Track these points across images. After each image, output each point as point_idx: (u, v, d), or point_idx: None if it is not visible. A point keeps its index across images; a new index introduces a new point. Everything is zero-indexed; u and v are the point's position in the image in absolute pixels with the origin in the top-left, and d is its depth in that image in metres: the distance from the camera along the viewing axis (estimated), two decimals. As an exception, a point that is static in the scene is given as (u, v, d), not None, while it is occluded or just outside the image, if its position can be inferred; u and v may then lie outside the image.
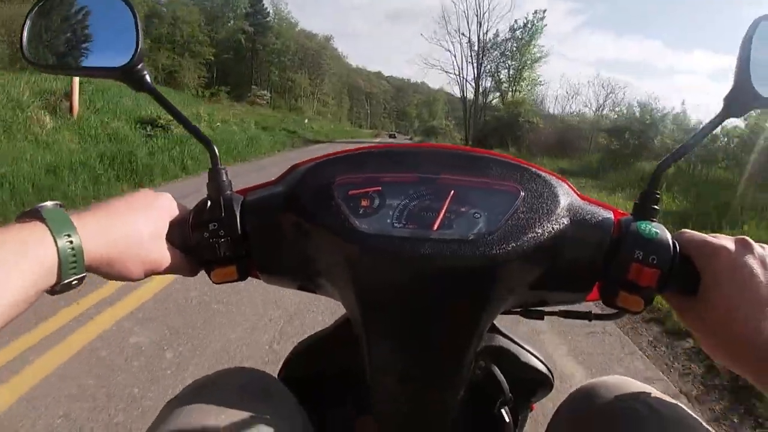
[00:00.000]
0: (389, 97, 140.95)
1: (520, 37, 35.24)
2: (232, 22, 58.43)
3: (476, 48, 37.55)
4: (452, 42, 43.59)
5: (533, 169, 0.48)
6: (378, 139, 49.98)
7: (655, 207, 0.47)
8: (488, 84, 38.15)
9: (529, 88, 35.17)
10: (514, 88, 34.96)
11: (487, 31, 36.96)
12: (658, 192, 0.47)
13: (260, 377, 0.53)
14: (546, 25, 34.12)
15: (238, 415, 0.45)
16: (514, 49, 35.48)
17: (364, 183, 0.47)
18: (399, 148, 0.51)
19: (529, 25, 34.62)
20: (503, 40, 36.95)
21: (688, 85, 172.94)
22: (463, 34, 38.33)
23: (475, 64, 37.87)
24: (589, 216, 0.46)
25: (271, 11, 62.13)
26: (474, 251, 0.41)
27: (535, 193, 0.46)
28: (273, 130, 28.33)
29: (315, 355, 0.61)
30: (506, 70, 36.84)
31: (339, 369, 0.60)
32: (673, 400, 0.49)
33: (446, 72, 48.28)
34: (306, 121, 39.18)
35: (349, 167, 0.49)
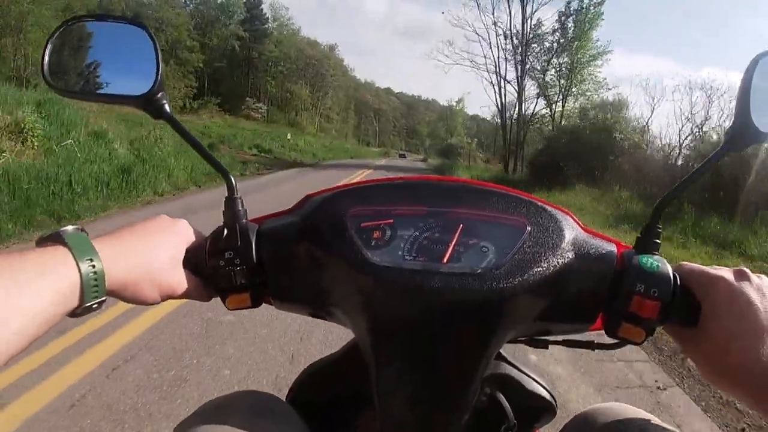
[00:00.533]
0: (399, 114, 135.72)
1: (572, 26, 24.44)
2: (226, 27, 53.10)
3: (518, 37, 25.96)
4: (486, 30, 32.37)
5: (539, 204, 0.49)
6: (383, 161, 43.69)
7: (657, 241, 0.48)
8: (529, 88, 26.83)
9: (589, 94, 24.37)
10: (566, 94, 24.72)
11: (532, 14, 25.56)
12: (660, 226, 0.48)
13: (269, 400, 0.54)
14: (603, 12, 23.82)
15: None
16: (563, 42, 24.66)
17: (376, 215, 0.48)
18: (410, 181, 0.52)
19: (583, 14, 23.87)
20: (549, 31, 25.82)
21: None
22: (495, 22, 26.74)
23: (515, 59, 26.29)
24: (593, 249, 0.47)
25: (270, 17, 57.00)
26: (482, 285, 0.42)
27: (541, 227, 0.47)
28: (235, 144, 22.08)
29: (324, 379, 0.62)
30: (555, 70, 25.76)
31: (347, 393, 0.60)
32: (673, 428, 0.49)
33: (476, 68, 33.50)
34: (289, 136, 32.59)
35: (361, 199, 0.50)
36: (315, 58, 61.75)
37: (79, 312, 0.38)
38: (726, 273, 0.43)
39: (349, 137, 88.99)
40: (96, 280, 0.37)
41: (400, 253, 0.45)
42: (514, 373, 0.58)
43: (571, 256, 0.46)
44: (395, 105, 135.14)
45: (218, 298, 0.51)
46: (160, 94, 0.48)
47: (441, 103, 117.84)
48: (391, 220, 0.47)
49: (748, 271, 0.44)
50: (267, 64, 55.15)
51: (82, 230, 0.40)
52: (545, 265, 0.44)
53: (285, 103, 57.72)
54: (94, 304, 0.38)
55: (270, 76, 55.56)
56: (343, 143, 66.78)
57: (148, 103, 0.48)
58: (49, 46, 0.47)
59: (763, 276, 0.44)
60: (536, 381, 0.59)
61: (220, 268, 0.47)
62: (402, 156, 77.45)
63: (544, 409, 0.59)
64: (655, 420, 0.51)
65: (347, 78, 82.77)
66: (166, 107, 0.49)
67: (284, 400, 0.58)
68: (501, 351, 0.56)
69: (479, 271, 0.43)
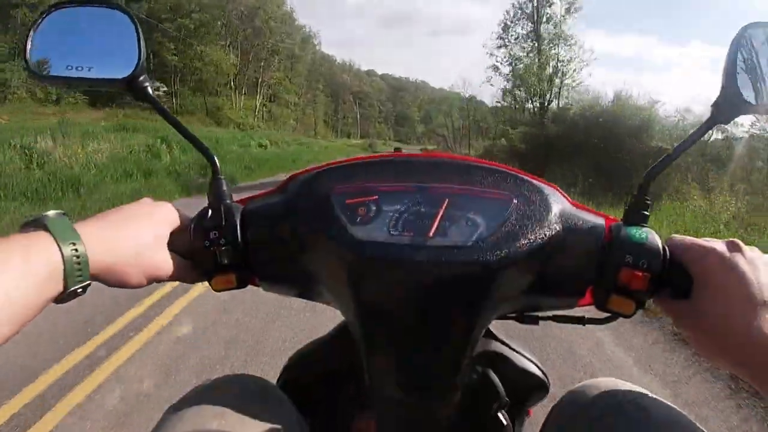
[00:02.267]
0: (385, 98, 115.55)
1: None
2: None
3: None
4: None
5: (525, 177, 0.49)
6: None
7: (645, 213, 0.48)
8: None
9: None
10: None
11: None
12: (648, 198, 0.48)
13: (258, 384, 0.54)
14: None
15: (237, 421, 0.46)
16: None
17: (361, 192, 0.48)
18: (394, 158, 0.52)
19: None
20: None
21: (687, 77, 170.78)
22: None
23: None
24: (581, 222, 0.47)
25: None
26: (469, 257, 0.42)
27: (527, 200, 0.47)
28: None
29: (314, 362, 0.62)
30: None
31: (338, 375, 0.60)
32: (666, 402, 0.49)
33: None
34: None
35: (346, 177, 0.50)
36: (246, 5, 40.93)
37: (64, 297, 0.38)
38: (718, 245, 0.43)
39: (319, 128, 68.79)
40: (79, 264, 0.37)
41: (385, 228, 0.45)
42: (505, 350, 0.58)
43: (558, 229, 0.45)
44: (380, 86, 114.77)
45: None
46: (142, 77, 0.49)
47: (433, 86, 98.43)
48: (376, 197, 0.47)
49: (740, 242, 0.43)
50: (160, 18, 34.59)
51: (65, 214, 0.39)
52: (532, 237, 0.44)
53: (201, 80, 37.32)
54: (78, 288, 0.38)
55: (169, 39, 35.05)
56: (306, 138, 47.43)
57: (130, 85, 0.49)
58: (32, 33, 0.47)
59: (755, 248, 0.43)
60: (528, 358, 0.59)
61: (205, 249, 0.47)
62: (398, 150, 64.54)
63: (537, 386, 0.59)
64: (649, 394, 0.51)
65: (309, 47, 62.28)
66: (149, 89, 0.50)
67: (275, 383, 0.58)
68: (491, 329, 0.57)
69: (467, 243, 0.43)
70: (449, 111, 75.36)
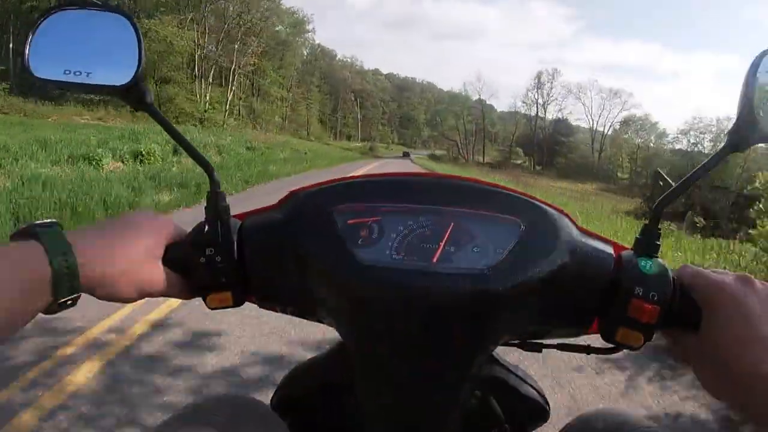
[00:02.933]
0: (389, 98, 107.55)
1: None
2: None
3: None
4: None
5: (534, 202, 0.48)
6: (364, 170, 20.71)
7: (657, 242, 0.46)
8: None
9: None
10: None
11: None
12: (659, 228, 0.47)
13: (250, 404, 0.53)
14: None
15: None
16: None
17: (364, 212, 0.46)
18: (399, 178, 0.51)
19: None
20: None
21: (694, 87, 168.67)
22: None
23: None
24: (590, 250, 0.46)
25: None
26: (473, 286, 0.41)
27: (536, 226, 0.45)
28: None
29: (309, 382, 0.61)
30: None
31: (333, 396, 0.59)
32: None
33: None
34: None
35: (349, 196, 0.48)
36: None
37: (54, 308, 0.37)
38: (730, 279, 0.42)
39: (313, 127, 60.69)
40: (69, 275, 0.36)
41: (387, 252, 0.44)
42: (505, 375, 0.56)
43: (566, 257, 0.44)
44: (383, 86, 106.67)
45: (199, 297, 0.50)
46: (141, 84, 0.48)
47: (441, 88, 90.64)
48: (379, 218, 0.46)
49: (751, 277, 0.42)
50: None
51: (57, 224, 0.39)
52: (539, 265, 0.43)
53: (147, 61, 29.23)
54: (68, 300, 0.37)
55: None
56: (295, 139, 39.68)
57: (129, 93, 0.48)
58: (31, 36, 0.47)
59: (767, 283, 0.42)
60: (528, 383, 0.58)
61: (201, 266, 0.46)
62: (406, 155, 62.10)
63: (537, 412, 0.58)
64: (652, 424, 0.50)
65: (301, 32, 54.24)
66: (147, 97, 0.48)
67: (269, 403, 0.57)
68: (493, 353, 0.55)
69: (471, 271, 0.42)
70: (461, 113, 67.88)
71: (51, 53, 0.47)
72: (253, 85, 45.27)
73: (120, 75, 0.47)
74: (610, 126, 63.24)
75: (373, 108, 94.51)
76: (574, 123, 67.43)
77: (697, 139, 54.16)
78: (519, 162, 66.07)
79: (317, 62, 74.04)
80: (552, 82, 66.24)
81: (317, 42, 79.26)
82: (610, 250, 0.47)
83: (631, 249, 0.47)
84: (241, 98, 41.07)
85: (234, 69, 36.46)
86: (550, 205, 0.48)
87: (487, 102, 70.24)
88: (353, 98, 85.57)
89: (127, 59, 0.47)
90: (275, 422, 0.51)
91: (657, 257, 0.45)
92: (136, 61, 0.47)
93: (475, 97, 67.95)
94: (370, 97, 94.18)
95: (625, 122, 62.81)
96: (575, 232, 0.47)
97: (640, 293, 0.42)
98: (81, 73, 0.47)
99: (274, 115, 45.23)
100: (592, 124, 63.89)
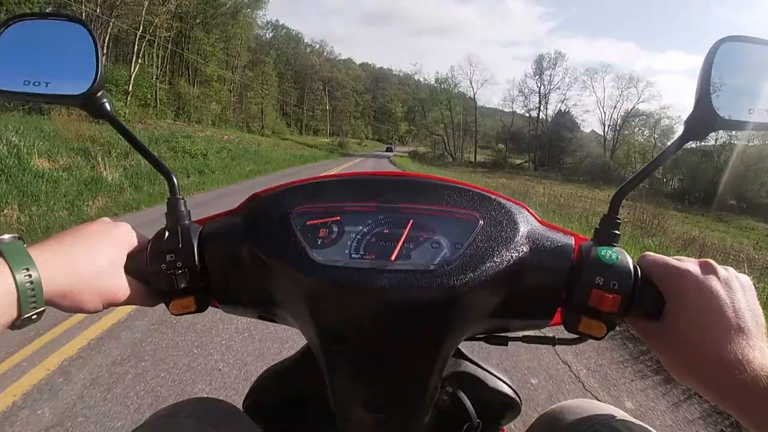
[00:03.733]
0: (362, 88, 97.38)
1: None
2: None
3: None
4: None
5: (492, 196, 0.48)
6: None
7: (616, 232, 0.47)
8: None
9: None
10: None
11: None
12: (618, 217, 0.47)
13: (222, 407, 0.53)
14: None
15: None
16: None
17: (323, 213, 0.47)
18: (359, 177, 0.51)
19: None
20: None
21: (666, 85, 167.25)
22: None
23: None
24: (549, 243, 0.46)
25: None
26: (432, 282, 0.41)
27: (494, 220, 0.46)
28: None
29: (281, 384, 0.60)
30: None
31: (305, 397, 0.59)
32: (640, 422, 0.49)
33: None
34: None
35: (308, 196, 0.48)
36: None
37: (18, 324, 0.37)
38: (691, 265, 0.42)
39: (268, 119, 50.03)
40: (33, 290, 0.36)
41: (347, 251, 0.44)
42: (475, 370, 0.56)
43: (526, 250, 0.44)
44: (357, 74, 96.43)
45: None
46: (100, 93, 0.48)
47: (418, 79, 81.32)
48: (339, 218, 0.46)
49: (713, 263, 0.43)
50: None
51: (20, 238, 0.39)
52: (499, 259, 0.43)
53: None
54: (33, 314, 0.37)
55: None
56: (238, 134, 30.49)
57: (88, 102, 0.47)
58: None
59: (729, 268, 0.43)
60: (498, 378, 0.58)
61: (161, 272, 0.46)
62: (389, 150, 64.42)
63: (508, 406, 0.58)
64: (627, 416, 0.50)
65: (256, 3, 43.50)
66: (107, 106, 0.48)
67: (240, 406, 0.57)
68: (461, 348, 0.55)
69: (430, 267, 0.42)
70: (447, 103, 57.89)
71: (9, 65, 0.47)
72: (182, 61, 34.44)
73: (78, 84, 0.46)
74: (617, 122, 54.10)
75: (344, 99, 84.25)
76: (577, 117, 58.07)
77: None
78: (519, 162, 56.45)
79: (278, 44, 63.40)
80: (555, 68, 56.43)
81: (281, 22, 68.66)
82: (570, 241, 0.47)
83: (591, 239, 0.47)
84: (159, 78, 30.23)
85: (141, 35, 25.68)
86: (510, 200, 0.48)
87: (477, 91, 60.65)
88: (321, 87, 75.06)
89: (86, 68, 0.47)
90: (247, 424, 0.51)
91: (617, 246, 0.45)
92: (94, 70, 0.47)
93: (464, 84, 58.10)
94: (342, 86, 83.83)
95: (629, 117, 53.80)
96: (535, 224, 0.47)
97: (601, 283, 0.42)
98: (40, 83, 0.47)
99: (209, 102, 34.47)
100: (603, 116, 54.46)
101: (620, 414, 0.50)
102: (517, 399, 0.58)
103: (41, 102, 0.49)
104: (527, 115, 57.45)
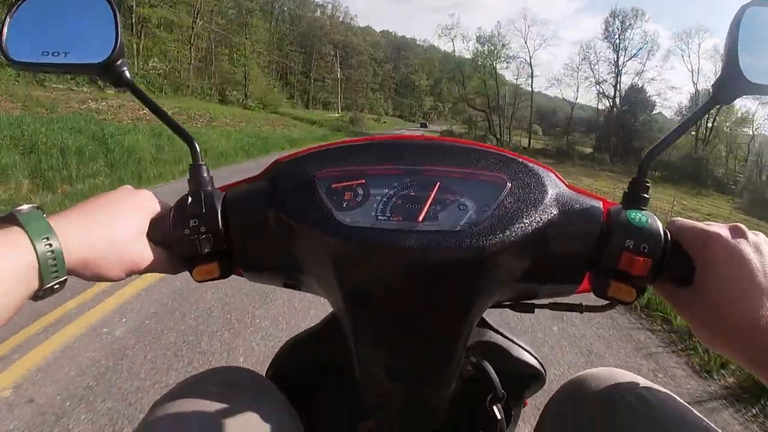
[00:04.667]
0: (383, 56, 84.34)
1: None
2: None
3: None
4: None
5: (519, 159, 0.48)
6: None
7: (645, 195, 0.46)
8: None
9: None
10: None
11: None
12: (648, 180, 0.47)
13: (248, 376, 0.53)
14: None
15: (227, 413, 0.45)
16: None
17: (347, 176, 0.46)
18: (383, 141, 0.51)
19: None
20: None
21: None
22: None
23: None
24: (578, 206, 0.45)
25: None
26: (460, 243, 0.40)
27: (522, 183, 0.45)
28: None
29: (304, 353, 0.61)
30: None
31: (328, 366, 0.59)
32: (665, 390, 0.49)
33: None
34: None
35: (331, 161, 0.48)
36: None
37: (41, 294, 0.37)
38: (721, 230, 0.42)
39: (254, 86, 38.10)
40: (54, 260, 0.36)
41: (373, 213, 0.43)
42: (500, 340, 0.56)
43: (554, 212, 0.44)
44: (375, 40, 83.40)
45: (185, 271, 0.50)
46: (119, 61, 0.47)
47: (446, 50, 68.10)
48: (363, 180, 0.46)
49: (744, 227, 0.42)
50: None
51: (39, 208, 0.38)
52: (527, 221, 0.42)
53: None
54: (55, 284, 0.37)
55: None
56: (203, 106, 21.03)
57: (106, 70, 0.47)
58: (8, 19, 0.46)
59: (759, 233, 0.42)
60: (524, 348, 0.57)
61: (185, 237, 0.45)
62: (423, 126, 63.59)
63: (533, 377, 0.58)
64: (651, 384, 0.50)
65: None
66: (126, 74, 0.48)
67: (264, 375, 0.57)
68: (486, 318, 0.55)
69: (457, 228, 0.41)
70: (491, 70, 44.04)
71: (28, 36, 0.47)
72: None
73: (97, 53, 0.46)
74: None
75: (360, 68, 71.70)
76: (652, 96, 43.16)
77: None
78: (589, 151, 42.48)
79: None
80: (631, 30, 41.90)
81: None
82: (599, 204, 0.46)
83: (620, 203, 0.47)
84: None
85: None
86: (537, 163, 0.48)
87: (535, 52, 46.44)
88: (332, 53, 62.51)
89: (104, 36, 0.47)
90: (272, 392, 0.51)
91: (646, 210, 0.45)
92: (113, 38, 0.47)
93: (515, 44, 44.07)
94: (357, 53, 71.17)
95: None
96: (563, 188, 0.47)
97: (631, 246, 0.41)
98: (59, 53, 0.46)
99: (147, 60, 22.75)
100: (696, 96, 39.59)
101: (646, 383, 0.50)
102: (542, 370, 0.57)
103: (60, 72, 0.49)
104: (597, 89, 43.39)
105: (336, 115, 48.73)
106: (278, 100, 42.48)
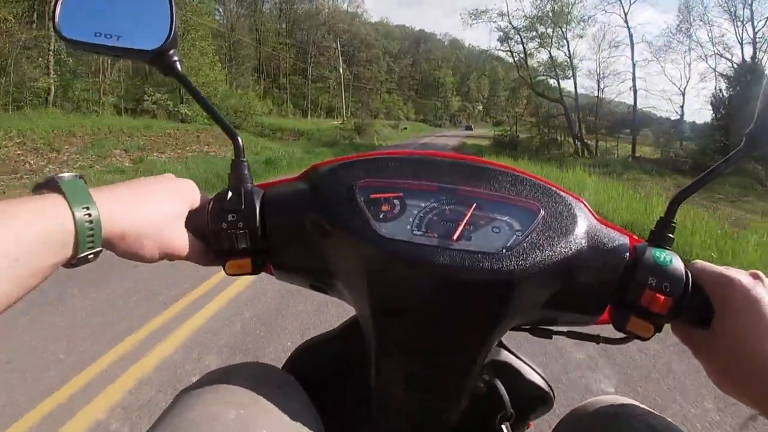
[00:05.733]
0: (399, 50, 70.78)
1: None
2: None
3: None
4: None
5: (552, 188, 0.49)
6: None
7: (671, 235, 0.47)
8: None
9: None
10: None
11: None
12: (674, 221, 0.48)
13: (274, 372, 0.53)
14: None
15: (253, 407, 0.45)
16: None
17: (386, 188, 0.47)
18: (421, 156, 0.52)
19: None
20: None
21: None
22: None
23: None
24: (606, 239, 0.46)
25: None
26: (493, 265, 0.42)
27: (555, 212, 0.46)
28: None
29: (320, 355, 0.61)
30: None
31: (344, 370, 0.60)
32: (671, 421, 0.49)
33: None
34: None
35: (371, 171, 0.49)
36: None
37: (74, 262, 0.37)
38: (741, 275, 0.42)
39: (225, 93, 24.52)
40: (92, 229, 0.36)
41: (408, 227, 0.44)
42: (513, 360, 0.57)
43: (584, 244, 0.45)
44: (389, 30, 69.95)
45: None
46: (172, 51, 0.47)
47: (470, 44, 54.20)
48: (401, 194, 0.46)
49: (762, 274, 0.43)
50: None
51: (80, 177, 0.38)
52: (558, 250, 0.43)
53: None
54: (89, 254, 0.37)
55: None
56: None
57: (158, 58, 0.47)
58: None
59: None
60: (535, 371, 0.58)
61: (222, 231, 0.46)
62: (468, 129, 61.54)
63: (541, 400, 0.58)
64: (654, 413, 0.50)
65: None
66: (178, 65, 0.48)
67: None
68: (501, 338, 0.56)
69: (490, 251, 0.42)
70: (561, 37, 28.82)
71: (82, 15, 0.46)
72: None
73: (150, 40, 0.46)
74: None
75: (371, 65, 58.08)
76: None
77: None
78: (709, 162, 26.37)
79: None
80: None
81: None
82: (626, 240, 0.47)
83: (646, 241, 0.48)
84: None
85: None
86: (569, 193, 0.49)
87: (633, 4, 31.10)
88: (336, 46, 49.09)
89: (159, 24, 0.46)
90: (296, 389, 0.51)
91: (670, 249, 0.46)
92: (168, 26, 0.46)
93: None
94: (368, 46, 57.65)
95: None
96: (593, 221, 0.48)
97: (654, 284, 0.42)
98: (111, 36, 0.46)
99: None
100: None
101: (653, 413, 0.51)
102: (552, 395, 0.58)
103: (111, 55, 0.48)
104: (721, 56, 27.43)
105: (336, 123, 35.34)
106: (252, 104, 29.28)
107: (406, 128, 49.27)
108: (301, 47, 49.50)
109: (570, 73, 27.25)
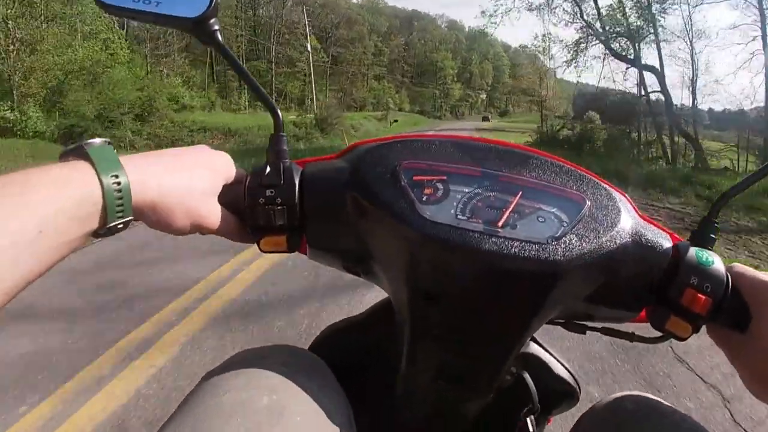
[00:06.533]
0: (387, 30, 60.54)
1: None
2: None
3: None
4: None
5: (598, 181, 0.48)
6: None
7: (713, 236, 0.47)
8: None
9: None
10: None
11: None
12: (717, 221, 0.48)
13: (304, 355, 0.52)
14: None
15: (284, 392, 0.44)
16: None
17: (429, 170, 0.46)
18: (464, 140, 0.50)
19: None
20: None
21: None
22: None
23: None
24: (650, 236, 0.46)
25: None
26: (539, 254, 0.41)
27: (600, 204, 0.45)
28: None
29: (346, 340, 0.60)
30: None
31: (371, 355, 0.58)
32: (695, 420, 0.49)
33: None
34: None
35: (414, 152, 0.48)
36: None
37: (102, 232, 0.35)
38: None
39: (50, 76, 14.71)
40: (121, 198, 0.35)
41: (452, 211, 0.43)
42: (542, 354, 0.56)
43: (628, 239, 0.44)
44: (376, 6, 59.73)
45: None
46: (213, 20, 0.46)
47: (470, 26, 44.95)
48: (445, 177, 0.45)
49: None
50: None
51: (109, 143, 0.37)
52: (603, 243, 0.43)
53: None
54: (119, 223, 0.35)
55: None
56: None
57: (198, 27, 0.46)
58: None
59: None
60: (563, 365, 0.58)
61: (259, 206, 0.45)
62: (486, 120, 58.41)
63: (567, 395, 0.58)
64: (677, 411, 0.50)
65: None
66: (218, 35, 0.47)
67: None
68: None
69: (536, 240, 0.42)
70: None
71: None
72: None
73: (191, 7, 0.45)
74: None
75: (356, 43, 48.06)
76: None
77: None
78: None
79: None
80: None
81: None
82: (668, 238, 0.47)
83: (688, 240, 0.47)
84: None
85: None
86: (613, 187, 0.48)
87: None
88: (305, 23, 39.06)
89: None
90: (326, 373, 0.51)
91: (712, 250, 0.46)
92: None
93: None
94: (350, 22, 47.58)
95: None
96: (636, 217, 0.47)
97: (695, 283, 0.42)
98: (150, 1, 0.45)
99: None
100: None
101: (676, 410, 0.50)
102: (578, 390, 0.57)
103: (149, 21, 0.46)
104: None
105: (294, 116, 25.69)
106: (155, 98, 19.80)
107: (396, 121, 39.39)
108: (266, 24, 39.66)
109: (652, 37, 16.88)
